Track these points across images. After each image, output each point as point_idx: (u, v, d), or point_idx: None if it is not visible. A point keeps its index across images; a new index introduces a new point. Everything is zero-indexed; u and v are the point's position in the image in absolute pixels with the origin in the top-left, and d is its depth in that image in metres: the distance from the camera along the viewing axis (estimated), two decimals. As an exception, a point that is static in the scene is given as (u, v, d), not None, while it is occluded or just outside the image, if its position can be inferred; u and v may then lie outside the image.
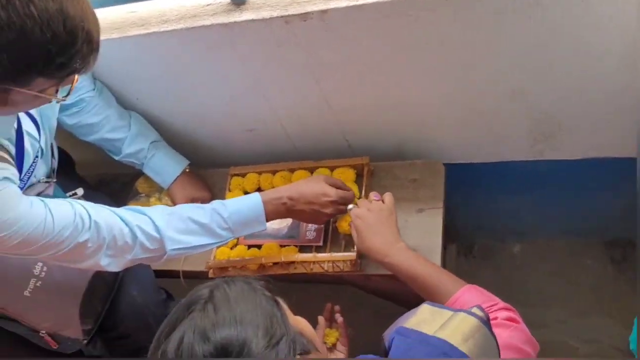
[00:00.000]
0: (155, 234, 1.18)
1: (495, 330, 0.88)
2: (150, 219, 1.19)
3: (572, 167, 1.44)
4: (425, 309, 0.95)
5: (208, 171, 1.64)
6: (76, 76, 1.01)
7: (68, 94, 1.04)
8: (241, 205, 1.27)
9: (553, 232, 1.76)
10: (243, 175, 1.54)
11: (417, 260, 1.17)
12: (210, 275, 1.42)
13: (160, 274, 1.51)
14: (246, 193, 1.52)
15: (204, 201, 1.54)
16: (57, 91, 1.01)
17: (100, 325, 1.43)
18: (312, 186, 1.31)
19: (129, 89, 1.50)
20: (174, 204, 1.52)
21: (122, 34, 1.31)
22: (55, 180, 1.36)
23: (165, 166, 1.52)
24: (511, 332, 0.99)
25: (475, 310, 0.90)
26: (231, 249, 1.44)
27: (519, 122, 1.34)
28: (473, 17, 1.09)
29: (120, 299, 1.43)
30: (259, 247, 1.43)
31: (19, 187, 1.14)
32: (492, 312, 1.04)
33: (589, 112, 1.27)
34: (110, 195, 1.64)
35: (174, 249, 1.20)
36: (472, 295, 1.09)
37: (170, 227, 1.20)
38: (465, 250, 1.86)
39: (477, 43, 1.15)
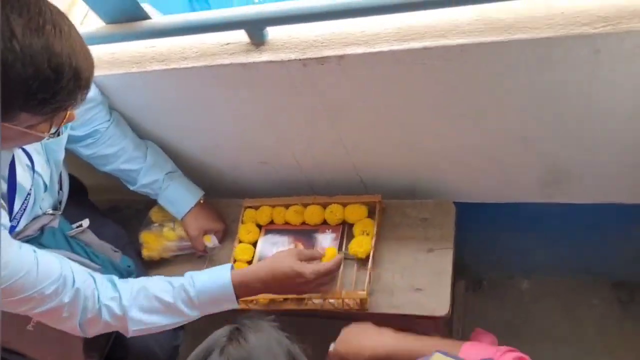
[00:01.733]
0: (120, 313, 1.21)
1: None
2: (120, 295, 1.21)
3: (582, 210, 1.45)
4: (437, 357, 0.97)
5: (222, 201, 1.66)
6: (69, 112, 1.01)
7: (58, 130, 1.03)
8: (210, 284, 1.26)
9: (561, 271, 1.77)
10: (256, 208, 1.56)
11: (408, 338, 1.17)
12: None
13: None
14: (259, 226, 1.55)
15: (217, 232, 1.56)
16: (50, 127, 1.00)
17: (107, 354, 1.44)
18: (283, 268, 1.27)
19: (146, 120, 1.53)
20: (188, 234, 1.54)
21: (141, 69, 1.33)
22: (60, 212, 1.37)
23: (179, 197, 1.54)
24: None
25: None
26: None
27: (529, 167, 1.35)
28: (487, 69, 1.12)
29: None
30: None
31: (12, 226, 1.15)
32: (500, 358, 1.05)
33: (599, 162, 1.28)
34: (123, 221, 1.66)
35: (135, 330, 1.23)
36: (475, 349, 1.10)
37: (135, 306, 1.22)
38: (473, 285, 1.87)
39: (489, 93, 1.17)
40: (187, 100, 1.41)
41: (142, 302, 1.22)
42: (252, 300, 1.41)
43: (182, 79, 1.33)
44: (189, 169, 1.61)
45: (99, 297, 1.19)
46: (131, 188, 1.54)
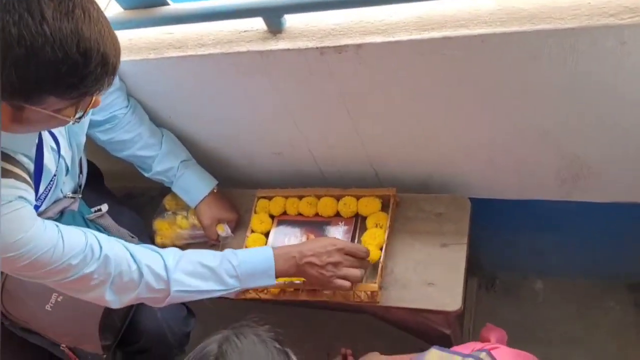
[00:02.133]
0: (163, 273, 1.20)
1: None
2: (162, 257, 1.21)
3: (600, 209, 1.43)
4: (434, 354, 0.96)
5: (235, 191, 1.65)
6: (94, 97, 1.01)
7: (83, 115, 1.03)
8: (252, 255, 1.27)
9: (576, 272, 1.75)
10: (270, 199, 1.55)
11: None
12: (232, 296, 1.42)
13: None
14: (272, 217, 1.54)
15: (230, 222, 1.56)
16: (76, 112, 1.01)
17: (121, 337, 1.44)
18: (322, 240, 1.32)
19: (162, 107, 1.53)
20: (201, 223, 1.54)
21: (158, 55, 1.33)
22: (80, 196, 1.38)
23: (193, 186, 1.54)
24: None
25: (483, 356, 0.91)
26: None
27: (547, 163, 1.33)
28: (508, 59, 1.10)
29: (141, 313, 1.45)
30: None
31: (36, 206, 1.15)
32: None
33: (619, 158, 1.26)
34: (137, 209, 1.66)
35: (178, 290, 1.21)
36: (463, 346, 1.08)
37: (179, 268, 1.21)
38: (486, 284, 1.85)
39: (510, 84, 1.16)
40: (203, 88, 1.40)
41: (185, 265, 1.22)
42: (263, 290, 1.40)
43: (199, 66, 1.33)
44: (203, 158, 1.61)
45: (135, 259, 1.18)
46: (146, 175, 1.54)
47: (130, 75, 1.44)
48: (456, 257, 1.35)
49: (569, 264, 1.72)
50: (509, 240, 1.70)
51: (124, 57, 1.35)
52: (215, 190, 1.56)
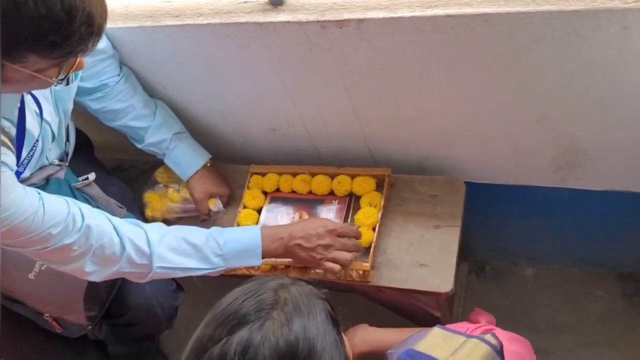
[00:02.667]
0: (145, 248, 1.17)
1: None
2: (145, 232, 1.18)
3: (594, 197, 1.42)
4: (437, 332, 0.95)
5: (229, 166, 1.64)
6: (78, 59, 0.98)
7: (67, 77, 1.01)
8: (239, 235, 1.25)
9: (567, 260, 1.75)
10: (263, 175, 1.54)
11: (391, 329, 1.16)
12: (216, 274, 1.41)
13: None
14: (265, 193, 1.52)
15: (223, 196, 1.54)
16: (59, 73, 0.98)
17: (107, 310, 1.43)
18: (313, 221, 1.30)
19: (157, 78, 1.50)
20: (193, 196, 1.52)
21: (155, 23, 1.31)
22: (67, 164, 1.36)
23: (186, 158, 1.52)
24: None
25: (488, 337, 0.90)
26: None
27: (544, 148, 1.32)
28: (510, 41, 1.08)
29: (128, 286, 1.43)
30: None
31: (18, 172, 1.12)
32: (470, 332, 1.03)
33: (617, 146, 1.25)
34: (127, 181, 1.64)
35: (160, 267, 1.18)
36: (452, 326, 1.08)
37: (163, 243, 1.19)
38: (476, 269, 1.85)
39: (510, 67, 1.14)
40: (200, 59, 1.38)
41: (169, 241, 1.19)
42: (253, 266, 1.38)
43: (196, 36, 1.31)
44: (197, 132, 1.59)
45: (118, 232, 1.15)
46: (138, 146, 1.52)
47: (125, 43, 1.42)
48: (449, 239, 1.35)
49: (560, 252, 1.72)
50: (501, 226, 1.69)
51: (119, 24, 1.34)
52: (208, 164, 1.54)
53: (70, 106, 1.32)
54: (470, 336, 0.89)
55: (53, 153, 1.30)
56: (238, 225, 1.48)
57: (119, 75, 1.44)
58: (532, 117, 1.25)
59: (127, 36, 1.38)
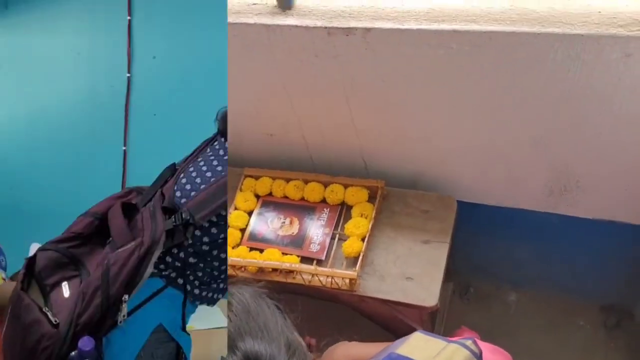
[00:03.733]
0: None
1: None
2: None
3: (582, 225, 1.44)
4: (418, 337, 0.94)
5: (221, 168, 1.63)
6: None
7: None
8: None
9: (551, 287, 1.75)
10: (257, 178, 1.54)
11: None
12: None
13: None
14: (257, 196, 1.52)
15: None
16: None
17: None
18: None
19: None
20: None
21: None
22: None
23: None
24: None
25: (469, 343, 0.90)
26: (233, 248, 1.43)
27: (537, 171, 1.34)
28: (513, 60, 1.10)
29: None
30: (260, 250, 1.42)
31: None
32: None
33: (609, 174, 1.27)
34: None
35: None
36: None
37: None
38: (460, 290, 1.85)
39: (510, 86, 1.16)
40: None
41: None
42: (240, 267, 1.38)
43: (203, 34, 1.32)
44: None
45: None
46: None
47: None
48: (437, 254, 1.35)
49: (545, 278, 1.72)
50: (487, 247, 1.69)
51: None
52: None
53: None
54: (451, 341, 0.89)
55: None
56: (228, 227, 1.47)
57: None
58: (528, 139, 1.27)
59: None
